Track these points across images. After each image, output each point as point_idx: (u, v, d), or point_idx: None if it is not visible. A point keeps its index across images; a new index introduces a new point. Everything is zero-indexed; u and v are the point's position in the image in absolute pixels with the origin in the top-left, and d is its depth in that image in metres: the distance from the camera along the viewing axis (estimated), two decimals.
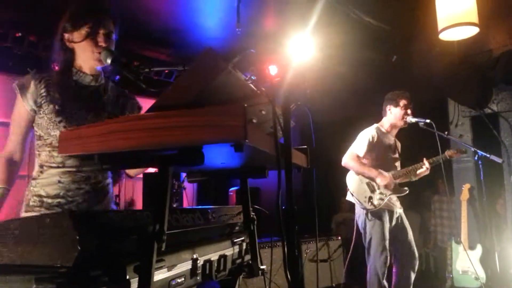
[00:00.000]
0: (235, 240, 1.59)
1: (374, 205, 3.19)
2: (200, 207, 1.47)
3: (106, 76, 1.95)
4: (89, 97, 1.87)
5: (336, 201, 5.17)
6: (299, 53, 3.70)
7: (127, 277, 0.94)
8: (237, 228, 1.67)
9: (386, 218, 3.22)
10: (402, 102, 3.33)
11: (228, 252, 1.52)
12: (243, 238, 1.66)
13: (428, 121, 3.20)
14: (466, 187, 4.21)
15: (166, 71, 4.37)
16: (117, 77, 1.99)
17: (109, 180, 1.93)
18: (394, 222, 3.27)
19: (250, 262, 1.70)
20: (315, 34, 3.66)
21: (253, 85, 1.44)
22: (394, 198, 3.30)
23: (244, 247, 1.66)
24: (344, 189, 3.53)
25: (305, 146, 1.82)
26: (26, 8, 4.23)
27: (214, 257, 1.39)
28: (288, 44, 3.53)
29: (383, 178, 3.21)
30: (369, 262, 3.25)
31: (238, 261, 1.63)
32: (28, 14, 4.29)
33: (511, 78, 4.14)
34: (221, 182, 5.25)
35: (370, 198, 3.24)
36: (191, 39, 4.89)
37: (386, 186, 3.21)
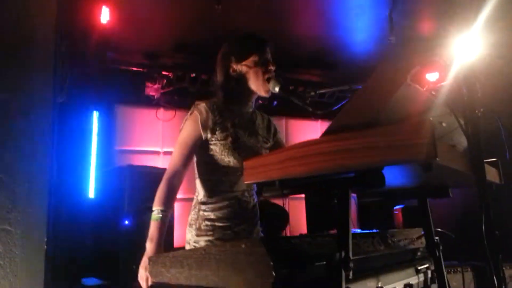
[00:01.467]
0: (419, 267, 1.45)
1: None
2: (378, 231, 1.39)
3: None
4: (248, 123, 1.96)
5: None
6: (465, 54, 3.29)
7: None
8: (419, 253, 1.52)
9: None
10: None
11: (413, 280, 1.39)
12: (427, 265, 1.50)
13: None
14: None
15: (324, 92, 4.44)
16: (275, 102, 2.05)
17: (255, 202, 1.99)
18: None
19: None
20: (484, 31, 3.21)
21: (431, 95, 1.31)
22: None
23: (429, 275, 1.50)
24: None
25: (495, 159, 1.57)
26: (199, 52, 4.85)
27: (399, 286, 1.28)
28: (451, 45, 3.17)
29: None
30: None
31: None
32: (200, 57, 4.90)
33: None
34: (383, 201, 4.95)
35: None
36: (344, 57, 4.85)
37: None
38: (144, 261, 1.68)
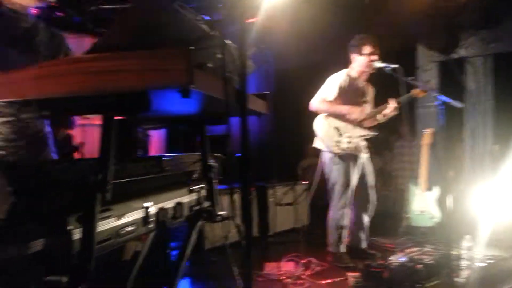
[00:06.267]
0: (192, 188, 1.58)
1: (342, 149, 3.23)
2: (155, 155, 1.43)
3: (38, 16, 1.77)
4: (21, 39, 1.71)
5: (302, 147, 5.23)
6: None
7: (68, 227, 0.91)
8: (195, 175, 1.65)
9: (351, 163, 3.28)
10: (366, 50, 3.25)
11: (185, 199, 1.51)
12: (201, 185, 1.64)
13: (395, 66, 3.17)
14: (428, 131, 4.32)
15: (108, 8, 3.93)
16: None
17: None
18: (358, 168, 3.34)
19: (209, 208, 1.70)
20: None
21: (207, 26, 1.35)
22: (361, 143, 3.34)
23: (202, 194, 1.65)
24: (309, 135, 3.53)
25: (266, 92, 1.77)
26: None
27: (169, 204, 1.37)
28: None
29: (354, 111, 3.22)
30: (330, 205, 3.36)
31: (196, 207, 1.63)
32: None
33: (478, 24, 4.14)
34: (191, 129, 5.14)
35: (338, 142, 3.27)
36: None
37: (356, 120, 3.23)
38: None
